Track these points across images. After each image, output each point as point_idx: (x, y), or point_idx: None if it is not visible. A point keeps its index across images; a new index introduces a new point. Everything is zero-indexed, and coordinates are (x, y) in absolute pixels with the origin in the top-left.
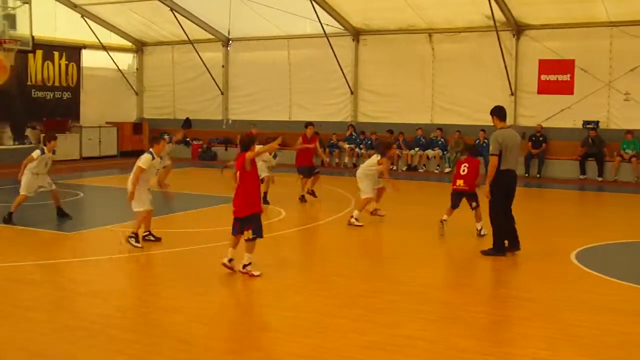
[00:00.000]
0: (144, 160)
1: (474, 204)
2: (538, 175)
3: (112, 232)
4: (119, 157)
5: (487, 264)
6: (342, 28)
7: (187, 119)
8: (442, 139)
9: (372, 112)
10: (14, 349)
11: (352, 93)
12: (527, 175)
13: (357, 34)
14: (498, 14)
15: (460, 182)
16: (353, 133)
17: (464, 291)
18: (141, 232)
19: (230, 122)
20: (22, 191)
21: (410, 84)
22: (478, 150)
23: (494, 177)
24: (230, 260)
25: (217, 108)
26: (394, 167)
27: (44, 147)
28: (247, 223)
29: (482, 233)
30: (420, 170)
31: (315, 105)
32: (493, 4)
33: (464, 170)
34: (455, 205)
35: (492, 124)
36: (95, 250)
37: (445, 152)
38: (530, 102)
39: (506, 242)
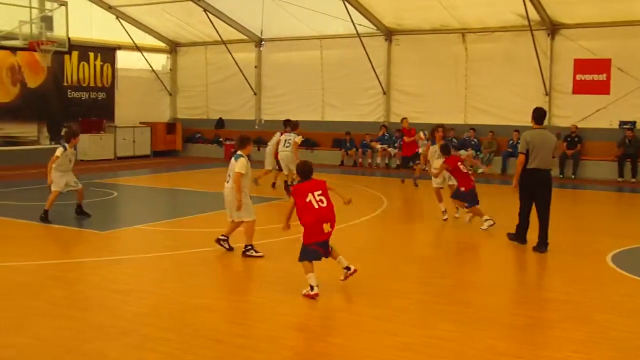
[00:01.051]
0: (240, 165)
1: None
2: (573, 176)
3: (145, 231)
4: (152, 157)
5: (521, 265)
6: (375, 28)
7: (220, 119)
8: (475, 140)
9: (405, 113)
10: (50, 346)
11: (384, 93)
12: (561, 176)
13: (389, 34)
14: (532, 13)
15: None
16: (385, 133)
17: (498, 293)
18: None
19: (262, 122)
20: (54, 187)
21: (443, 84)
22: (449, 149)
23: (520, 173)
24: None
25: (250, 108)
26: (425, 167)
27: (66, 144)
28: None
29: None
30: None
31: (347, 105)
32: (527, 3)
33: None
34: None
35: (525, 124)
36: (129, 249)
37: (478, 153)
38: (565, 102)
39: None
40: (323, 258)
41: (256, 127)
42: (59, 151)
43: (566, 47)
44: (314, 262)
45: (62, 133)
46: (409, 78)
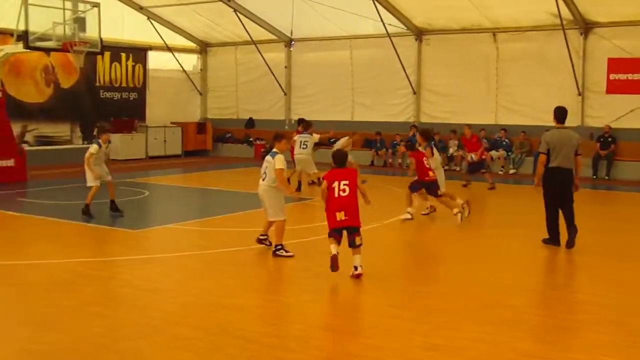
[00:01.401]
0: (280, 161)
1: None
2: (607, 177)
3: (176, 231)
4: (183, 157)
5: (552, 267)
6: (405, 28)
7: (250, 118)
8: (506, 140)
9: (435, 113)
10: (83, 343)
11: (414, 93)
12: (595, 177)
13: (420, 33)
14: (565, 12)
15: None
16: (416, 133)
17: (528, 294)
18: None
19: (292, 122)
20: (91, 183)
21: (474, 84)
22: (414, 145)
23: (543, 173)
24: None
25: (280, 108)
26: (457, 168)
27: (99, 140)
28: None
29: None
30: (483, 171)
31: (377, 105)
32: (560, 2)
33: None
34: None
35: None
36: (160, 248)
37: (509, 153)
38: (598, 102)
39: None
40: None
41: (286, 127)
42: (94, 148)
43: (600, 46)
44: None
45: (95, 133)
46: (439, 78)
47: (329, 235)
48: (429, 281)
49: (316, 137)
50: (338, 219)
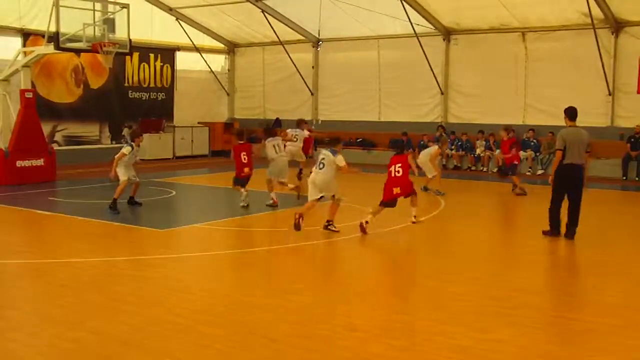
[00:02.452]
0: (341, 158)
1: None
2: (637, 178)
3: (203, 230)
4: (210, 157)
5: (583, 269)
6: (433, 28)
7: (277, 119)
8: (534, 140)
9: (463, 113)
10: (112, 341)
11: (442, 93)
12: (624, 178)
13: (447, 33)
14: (596, 11)
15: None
16: (443, 134)
17: (558, 296)
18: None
19: (320, 122)
20: (123, 177)
21: (502, 84)
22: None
23: (557, 168)
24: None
25: (307, 108)
26: (484, 169)
27: (132, 143)
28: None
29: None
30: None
31: (404, 105)
32: (590, 1)
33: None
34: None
35: (587, 125)
36: (187, 247)
37: (537, 154)
38: (629, 102)
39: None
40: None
41: (313, 127)
42: (127, 149)
43: (631, 46)
44: None
45: (124, 133)
46: (467, 78)
47: (381, 204)
48: (457, 282)
49: (306, 132)
50: (394, 192)
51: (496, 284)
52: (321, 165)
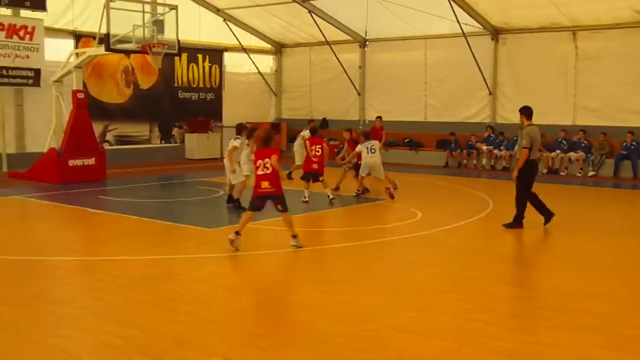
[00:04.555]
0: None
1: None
2: None
3: (251, 229)
4: None
5: (631, 272)
6: (481, 27)
7: (324, 119)
8: (585, 141)
9: (512, 113)
10: (161, 338)
11: (490, 93)
12: None
13: (496, 33)
14: None
15: (265, 185)
16: (491, 134)
17: (608, 300)
18: None
19: (366, 122)
20: (240, 178)
21: (552, 84)
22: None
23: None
24: None
25: (354, 109)
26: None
27: (239, 136)
28: None
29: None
30: (562, 173)
31: (452, 105)
32: None
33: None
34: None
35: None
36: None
37: (588, 155)
38: None
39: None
40: None
41: (360, 127)
42: (237, 142)
43: None
44: None
45: (173, 133)
46: (516, 78)
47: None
48: (502, 283)
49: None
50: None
51: (542, 286)
52: (373, 150)
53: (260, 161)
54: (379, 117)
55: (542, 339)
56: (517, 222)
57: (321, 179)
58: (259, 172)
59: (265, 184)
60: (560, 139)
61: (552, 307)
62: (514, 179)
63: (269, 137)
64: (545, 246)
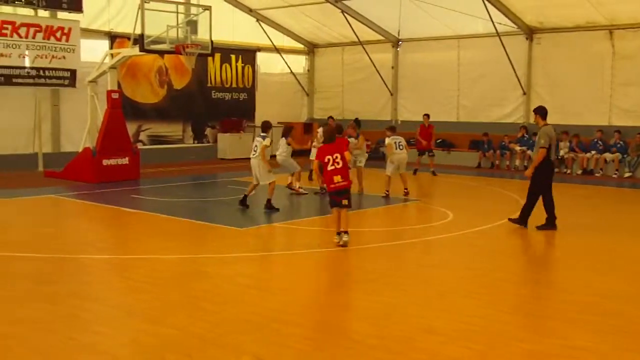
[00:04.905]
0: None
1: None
2: None
3: (281, 229)
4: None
5: None
6: (516, 27)
7: (357, 119)
8: (620, 142)
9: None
10: (191, 337)
11: (524, 94)
12: None
13: (530, 32)
14: None
15: (338, 179)
16: (525, 135)
17: None
18: None
19: (399, 122)
20: (270, 179)
21: (587, 84)
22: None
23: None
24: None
25: (386, 109)
26: (568, 171)
27: (265, 135)
28: None
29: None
30: (597, 174)
31: (485, 106)
32: None
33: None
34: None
35: None
36: (265, 246)
37: (624, 156)
38: None
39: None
40: None
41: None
42: (268, 140)
43: None
44: None
45: (206, 133)
46: (550, 78)
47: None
48: (536, 286)
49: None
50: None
51: (577, 289)
52: (401, 146)
53: (329, 156)
54: (426, 115)
55: (575, 342)
56: (549, 224)
57: (345, 202)
58: (330, 168)
59: (337, 178)
60: (595, 140)
61: (585, 310)
62: (528, 177)
63: (334, 132)
64: (578, 248)
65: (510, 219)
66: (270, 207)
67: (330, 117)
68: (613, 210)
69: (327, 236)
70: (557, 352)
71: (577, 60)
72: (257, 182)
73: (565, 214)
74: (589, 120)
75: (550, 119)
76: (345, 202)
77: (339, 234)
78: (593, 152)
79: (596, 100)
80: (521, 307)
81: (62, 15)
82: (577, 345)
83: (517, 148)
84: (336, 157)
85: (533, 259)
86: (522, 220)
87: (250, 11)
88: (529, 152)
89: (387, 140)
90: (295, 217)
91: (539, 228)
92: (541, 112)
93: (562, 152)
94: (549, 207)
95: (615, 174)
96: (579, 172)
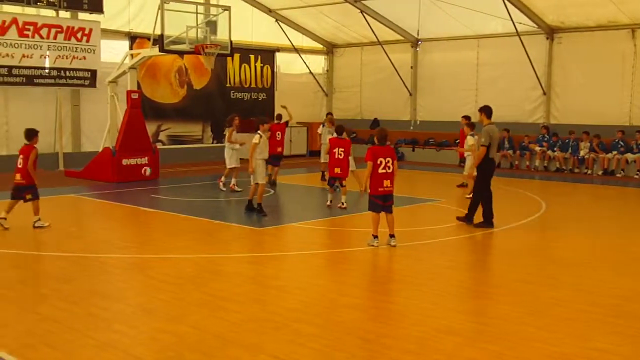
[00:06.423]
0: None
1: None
2: None
3: (300, 229)
4: (308, 156)
5: None
6: (536, 26)
7: (375, 119)
8: None
9: (566, 113)
10: (209, 335)
11: (544, 93)
12: None
13: (551, 32)
14: None
15: (387, 183)
16: (546, 135)
17: None
18: None
19: (418, 123)
20: (260, 180)
21: (608, 84)
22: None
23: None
24: None
25: (405, 109)
26: (589, 172)
27: (259, 132)
28: None
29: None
30: (618, 175)
31: (504, 106)
32: None
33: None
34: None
35: None
36: (284, 246)
37: None
38: None
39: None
40: None
41: (411, 127)
42: (257, 137)
43: None
44: None
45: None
46: (571, 78)
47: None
48: (556, 287)
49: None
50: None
51: (598, 291)
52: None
53: (382, 159)
54: (465, 117)
55: (598, 344)
56: (486, 222)
57: (344, 183)
58: (380, 171)
59: (387, 183)
60: (617, 140)
61: (609, 312)
62: (471, 176)
63: (386, 135)
64: (597, 249)
65: (457, 217)
66: (251, 209)
67: (329, 113)
68: (634, 211)
69: (340, 236)
70: (580, 354)
71: (599, 60)
72: (268, 179)
73: (587, 214)
74: (610, 120)
75: (569, 119)
76: (391, 206)
77: (375, 237)
78: (614, 152)
79: (617, 100)
80: (540, 308)
81: (82, 16)
82: (603, 348)
83: (537, 148)
84: (388, 161)
85: (553, 260)
86: (468, 218)
87: (269, 11)
88: (549, 152)
89: (471, 140)
90: (313, 217)
91: (476, 225)
92: (486, 110)
93: (582, 153)
94: (487, 204)
95: (637, 174)
96: (600, 172)
